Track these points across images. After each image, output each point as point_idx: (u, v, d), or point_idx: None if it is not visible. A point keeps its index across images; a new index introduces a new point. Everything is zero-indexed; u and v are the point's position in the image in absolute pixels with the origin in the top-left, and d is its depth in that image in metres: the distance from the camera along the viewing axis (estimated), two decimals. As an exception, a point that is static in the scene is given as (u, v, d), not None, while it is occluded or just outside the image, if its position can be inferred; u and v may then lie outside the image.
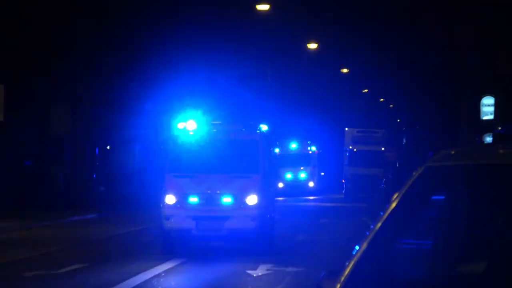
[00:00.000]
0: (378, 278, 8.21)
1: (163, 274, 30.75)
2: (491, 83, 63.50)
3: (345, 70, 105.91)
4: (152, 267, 31.43)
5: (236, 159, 36.23)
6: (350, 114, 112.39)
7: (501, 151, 9.15)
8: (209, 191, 33.19)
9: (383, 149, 78.61)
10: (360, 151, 78.40)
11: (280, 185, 78.53)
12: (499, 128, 10.22)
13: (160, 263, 32.32)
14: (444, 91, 79.59)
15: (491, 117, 60.51)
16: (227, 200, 33.99)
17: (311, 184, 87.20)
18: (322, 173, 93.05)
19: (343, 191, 79.75)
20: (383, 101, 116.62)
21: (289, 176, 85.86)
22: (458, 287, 8.25)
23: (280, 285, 27.60)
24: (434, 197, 8.86)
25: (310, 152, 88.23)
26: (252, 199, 34.61)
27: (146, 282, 29.17)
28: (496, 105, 59.37)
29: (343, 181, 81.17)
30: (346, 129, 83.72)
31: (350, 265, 8.35)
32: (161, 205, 32.51)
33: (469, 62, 64.26)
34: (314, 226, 48.50)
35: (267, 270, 30.65)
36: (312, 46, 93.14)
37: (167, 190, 32.85)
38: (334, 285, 8.29)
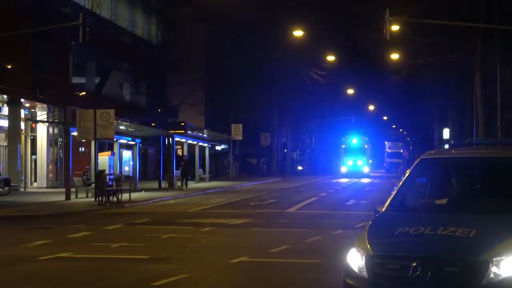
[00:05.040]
0: (399, 205, 11.00)
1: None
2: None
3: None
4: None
5: None
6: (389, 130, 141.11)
7: (453, 151, 12.55)
8: None
9: (401, 150, 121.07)
10: (392, 152, 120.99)
11: (344, 169, 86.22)
12: (452, 141, 17.28)
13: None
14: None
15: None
16: None
17: (365, 169, 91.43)
18: (371, 161, 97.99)
19: (385, 169, 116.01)
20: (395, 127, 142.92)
21: (350, 163, 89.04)
22: (434, 207, 11.06)
23: (356, 210, 34.21)
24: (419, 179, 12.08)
25: (365, 146, 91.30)
26: None
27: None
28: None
29: (385, 164, 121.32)
30: (386, 142, 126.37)
31: (389, 200, 11.10)
32: None
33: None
34: (363, 192, 52.96)
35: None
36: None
37: None
38: (382, 208, 10.97)
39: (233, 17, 76.31)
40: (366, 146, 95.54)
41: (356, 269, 9.64)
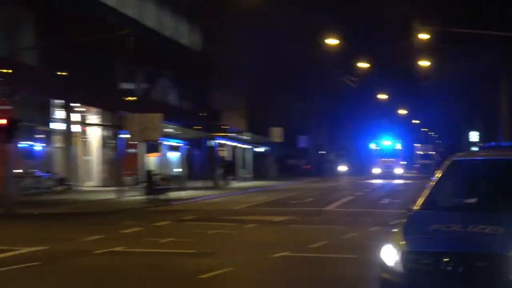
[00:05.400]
0: (432, 204, 10.96)
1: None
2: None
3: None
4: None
5: None
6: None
7: (481, 153, 12.52)
8: None
9: (431, 152, 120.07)
10: (423, 154, 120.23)
11: (378, 170, 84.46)
12: (481, 144, 16.77)
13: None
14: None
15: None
16: None
17: (398, 170, 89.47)
18: (403, 162, 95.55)
19: (416, 170, 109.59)
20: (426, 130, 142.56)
21: (383, 164, 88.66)
22: (464, 206, 11.03)
23: (390, 209, 34.33)
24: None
25: (398, 148, 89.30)
26: None
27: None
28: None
29: (416, 165, 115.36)
30: (417, 145, 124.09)
31: (422, 199, 11.12)
32: None
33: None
34: (396, 191, 52.41)
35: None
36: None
37: None
38: (415, 206, 11.00)
39: (273, 28, 76.44)
40: (398, 147, 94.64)
41: (391, 264, 9.69)
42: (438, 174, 11.63)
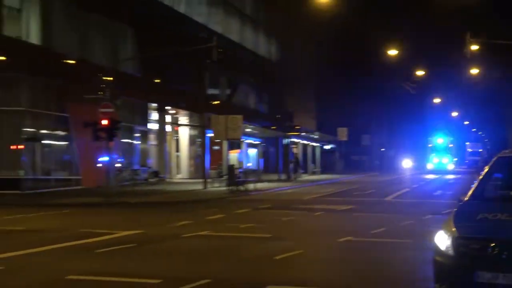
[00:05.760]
0: (479, 195, 10.97)
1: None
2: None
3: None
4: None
5: None
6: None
7: None
8: None
9: (480, 150, 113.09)
10: (472, 151, 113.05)
11: (431, 166, 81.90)
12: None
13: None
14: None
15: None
16: None
17: (450, 166, 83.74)
18: (455, 159, 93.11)
19: (466, 165, 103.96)
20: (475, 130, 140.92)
21: (436, 160, 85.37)
22: (509, 197, 10.97)
23: (443, 199, 33.29)
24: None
25: (450, 145, 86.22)
26: None
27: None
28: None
29: (466, 161, 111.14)
30: (467, 143, 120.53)
31: (471, 191, 11.15)
32: None
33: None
34: (448, 184, 51.50)
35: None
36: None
37: None
38: (465, 197, 11.03)
39: (340, 36, 76.23)
40: (450, 145, 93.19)
41: (443, 248, 9.69)
42: (486, 169, 11.50)
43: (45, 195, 34.37)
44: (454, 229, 9.69)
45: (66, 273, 12.85)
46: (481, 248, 9.29)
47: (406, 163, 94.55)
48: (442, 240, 9.75)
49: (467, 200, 10.83)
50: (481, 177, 11.34)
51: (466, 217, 10.05)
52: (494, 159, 11.75)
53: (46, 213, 25.75)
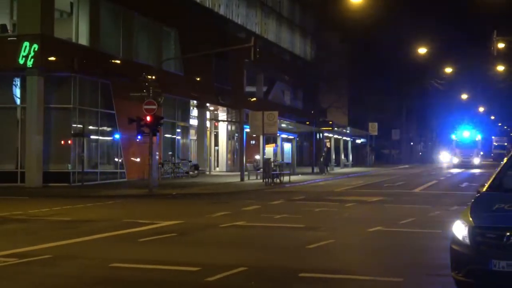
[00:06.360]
0: (497, 186, 10.72)
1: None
2: None
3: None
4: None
5: None
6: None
7: None
8: None
9: (506, 144, 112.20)
10: (498, 145, 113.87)
11: (457, 159, 77.91)
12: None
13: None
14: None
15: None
16: None
17: (476, 160, 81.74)
18: (481, 152, 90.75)
19: (492, 158, 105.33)
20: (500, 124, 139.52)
21: (462, 154, 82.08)
22: None
23: (469, 191, 31.55)
24: None
25: (476, 139, 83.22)
26: None
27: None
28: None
29: (492, 155, 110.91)
30: (493, 137, 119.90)
31: (489, 182, 10.97)
32: None
33: None
34: (474, 177, 51.09)
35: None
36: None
37: None
38: (483, 188, 10.85)
39: (371, 36, 75.90)
40: (477, 139, 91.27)
41: (460, 237, 9.55)
42: (504, 161, 11.29)
43: (92, 188, 34.59)
44: (471, 219, 9.51)
45: (110, 261, 12.89)
46: (496, 237, 9.14)
47: (444, 157, 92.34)
48: (459, 229, 9.60)
49: (484, 191, 10.63)
50: (499, 168, 11.09)
51: (482, 208, 9.85)
52: None
53: (93, 204, 25.88)
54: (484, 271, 9.15)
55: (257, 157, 49.76)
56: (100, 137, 40.21)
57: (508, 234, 9.02)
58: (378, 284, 11.30)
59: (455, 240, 9.69)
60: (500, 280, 9.06)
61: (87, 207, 25.00)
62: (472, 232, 9.36)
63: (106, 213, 22.73)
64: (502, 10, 55.46)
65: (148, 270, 12.20)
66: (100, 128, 40.19)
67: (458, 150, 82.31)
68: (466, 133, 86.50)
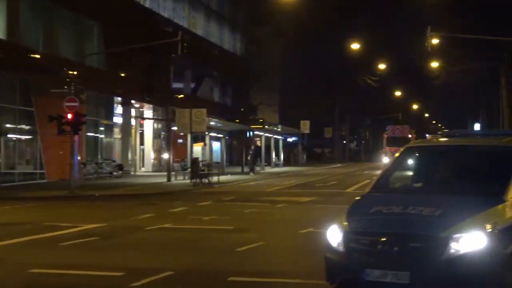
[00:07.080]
0: (382, 187, 10.16)
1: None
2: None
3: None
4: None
5: None
6: None
7: (434, 140, 12.27)
8: None
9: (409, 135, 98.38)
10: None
11: (387, 159, 78.72)
12: (438, 132, 15.72)
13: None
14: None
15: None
16: None
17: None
18: None
19: None
20: (435, 122, 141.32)
21: (393, 151, 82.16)
22: (410, 189, 10.35)
23: None
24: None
25: (409, 136, 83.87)
26: None
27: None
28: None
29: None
30: (427, 135, 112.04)
31: (373, 182, 10.44)
32: None
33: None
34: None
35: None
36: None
37: None
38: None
39: (304, 32, 76.45)
40: (409, 136, 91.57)
41: (335, 244, 8.97)
42: (393, 160, 10.84)
43: (9, 189, 33.95)
44: (345, 223, 8.96)
45: (29, 266, 12.73)
46: (370, 243, 8.64)
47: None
48: (334, 235, 9.01)
49: (367, 192, 10.04)
50: (386, 168, 10.68)
51: (359, 211, 9.30)
52: (401, 149, 10.83)
53: (11, 207, 25.46)
54: (358, 281, 8.65)
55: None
56: (18, 136, 39.64)
57: (383, 240, 8.53)
58: (306, 287, 11.38)
59: (329, 247, 9.11)
60: None
61: (4, 209, 24.57)
62: (346, 238, 8.82)
63: (25, 216, 22.39)
64: (437, 5, 56.54)
65: (70, 275, 12.12)
66: (18, 127, 39.59)
67: (389, 148, 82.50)
68: (398, 131, 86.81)
